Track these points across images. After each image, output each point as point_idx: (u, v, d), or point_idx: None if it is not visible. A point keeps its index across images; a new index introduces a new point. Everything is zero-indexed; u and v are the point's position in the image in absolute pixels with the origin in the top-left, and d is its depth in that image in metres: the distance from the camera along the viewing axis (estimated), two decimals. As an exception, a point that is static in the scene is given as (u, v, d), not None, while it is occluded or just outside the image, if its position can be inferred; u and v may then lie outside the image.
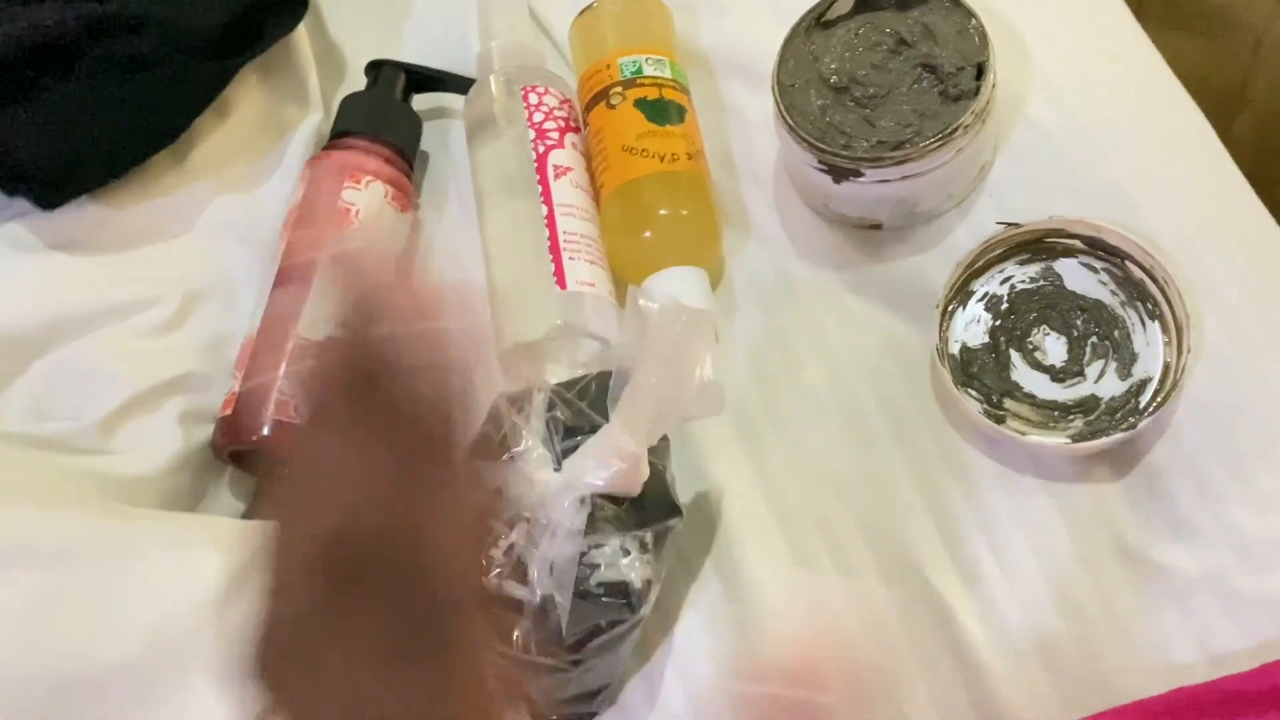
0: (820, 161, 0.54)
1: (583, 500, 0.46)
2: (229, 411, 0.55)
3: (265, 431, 0.54)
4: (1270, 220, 0.55)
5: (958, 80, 0.53)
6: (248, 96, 0.64)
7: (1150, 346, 0.52)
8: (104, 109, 0.57)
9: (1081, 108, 0.57)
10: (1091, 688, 0.48)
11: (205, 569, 0.48)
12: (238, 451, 0.56)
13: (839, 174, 0.54)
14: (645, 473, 0.46)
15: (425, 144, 0.66)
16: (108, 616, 0.46)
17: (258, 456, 0.56)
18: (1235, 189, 0.56)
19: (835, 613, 0.51)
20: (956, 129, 0.52)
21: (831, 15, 0.56)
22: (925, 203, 0.55)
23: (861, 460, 0.53)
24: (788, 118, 0.54)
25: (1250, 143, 1.28)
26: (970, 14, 0.54)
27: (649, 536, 0.47)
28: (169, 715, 0.45)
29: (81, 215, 0.58)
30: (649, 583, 0.47)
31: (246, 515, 0.57)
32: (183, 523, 0.51)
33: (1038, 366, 0.53)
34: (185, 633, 0.46)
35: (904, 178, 0.53)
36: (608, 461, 0.45)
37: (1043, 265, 0.54)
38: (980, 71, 0.53)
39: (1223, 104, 1.30)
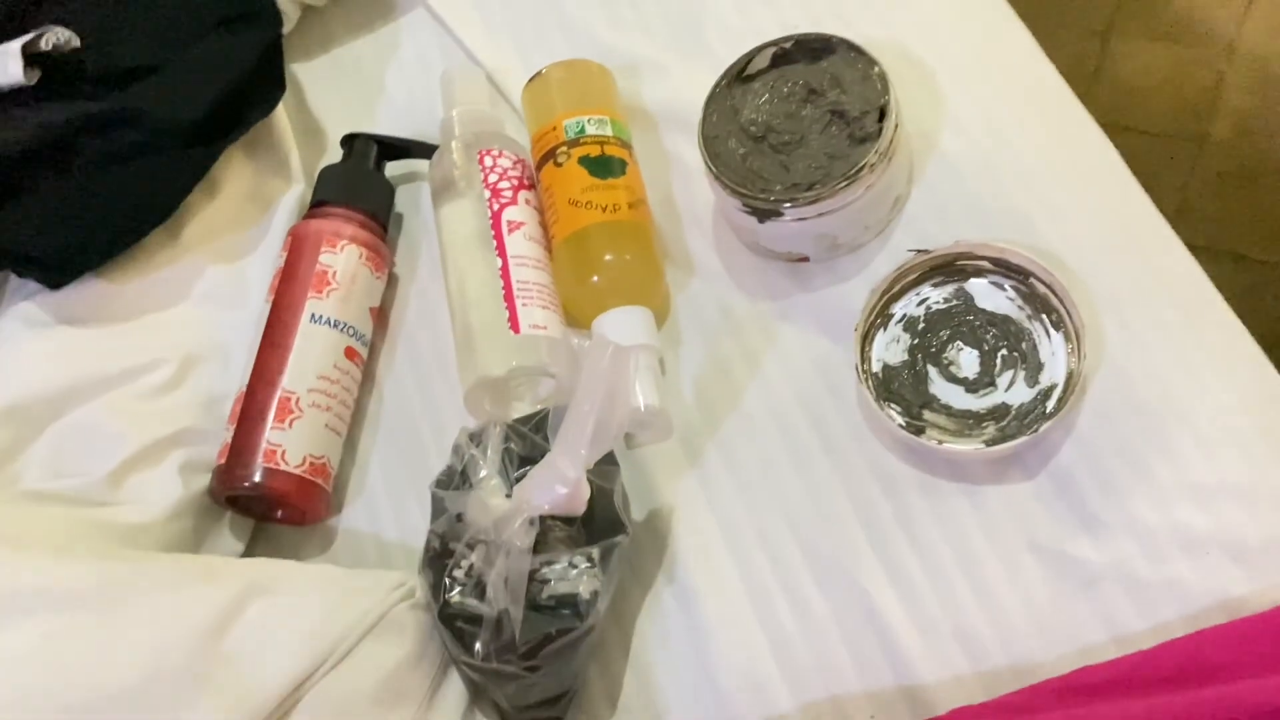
0: (744, 204, 0.59)
1: (531, 521, 0.51)
2: (223, 460, 0.61)
3: (256, 478, 0.60)
4: (1166, 229, 0.59)
5: (863, 124, 0.58)
6: (235, 174, 0.70)
7: (1055, 355, 0.56)
8: (101, 196, 0.64)
9: (988, 139, 0.62)
10: (1009, 672, 0.52)
11: (200, 604, 0.53)
12: (233, 496, 0.61)
13: (762, 214, 0.59)
14: (586, 494, 0.51)
15: (400, 206, 0.72)
16: (111, 649, 0.51)
17: (252, 500, 0.62)
18: (1134, 205, 0.60)
19: (776, 616, 0.55)
20: (862, 168, 0.57)
21: (750, 70, 0.62)
22: (844, 235, 0.60)
23: (796, 475, 0.58)
24: (712, 166, 0.59)
25: (1230, 144, 1.32)
26: (873, 62, 0.59)
27: (596, 552, 0.52)
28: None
29: (86, 292, 0.64)
30: (596, 594, 0.51)
31: (245, 554, 0.63)
32: (181, 563, 0.56)
33: (953, 379, 0.57)
34: (182, 662, 0.51)
35: (820, 214, 0.58)
36: (549, 485, 0.50)
37: (955, 286, 0.59)
38: (882, 114, 0.58)
39: (1200, 109, 1.34)
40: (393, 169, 0.72)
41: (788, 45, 0.61)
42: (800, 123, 0.59)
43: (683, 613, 0.57)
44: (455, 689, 0.54)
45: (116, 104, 0.64)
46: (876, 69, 0.59)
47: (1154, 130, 1.31)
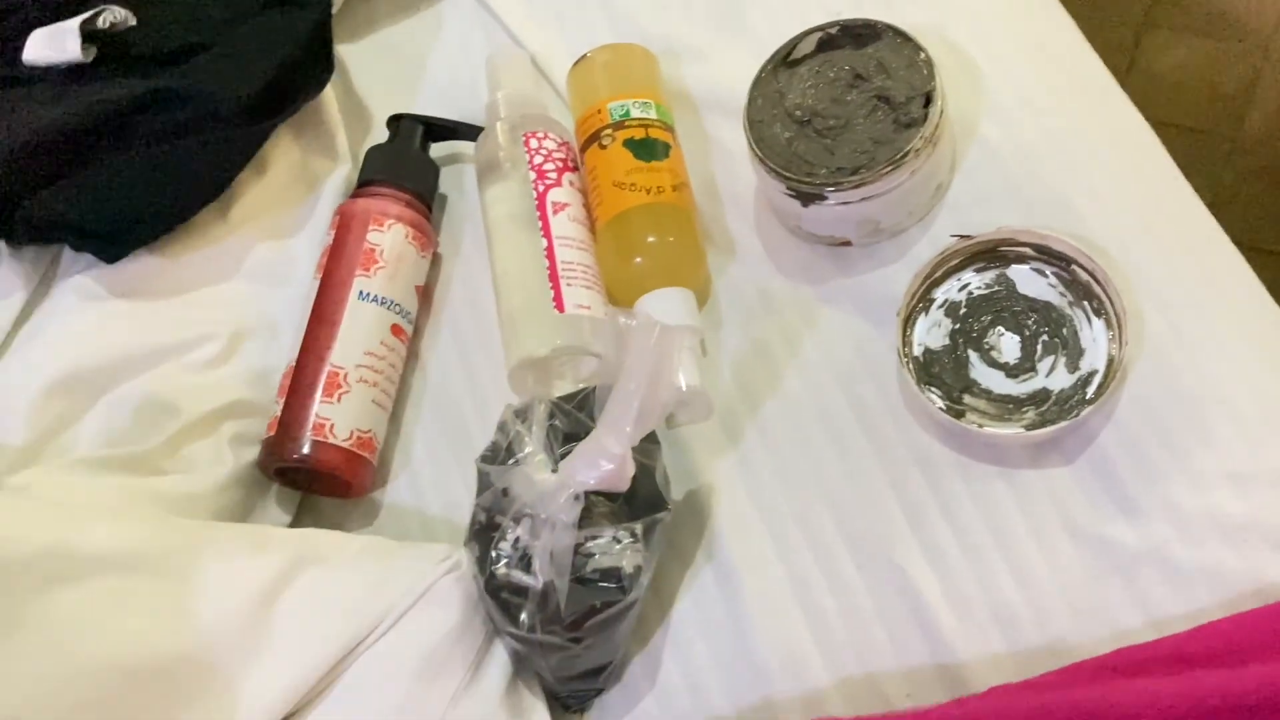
0: (788, 188, 0.60)
1: (576, 497, 0.52)
2: (272, 433, 0.62)
3: (305, 450, 0.61)
4: (1209, 219, 0.59)
5: (908, 109, 0.58)
6: (283, 153, 0.71)
7: (1096, 342, 0.57)
8: (156, 172, 0.65)
9: (1030, 126, 0.62)
10: (1045, 652, 0.52)
11: (252, 572, 0.54)
12: (282, 468, 0.63)
13: (805, 198, 0.60)
14: (631, 470, 0.52)
15: (444, 187, 0.73)
16: (167, 615, 0.52)
17: (300, 472, 0.63)
18: (1176, 193, 0.60)
19: (814, 593, 0.56)
20: (907, 153, 0.57)
21: (796, 55, 0.62)
22: (887, 220, 0.61)
23: (835, 457, 0.59)
24: (757, 150, 0.60)
25: (1263, 139, 1.32)
26: (919, 48, 0.60)
27: (639, 528, 0.53)
28: (224, 698, 0.52)
29: (139, 267, 0.65)
30: (639, 568, 0.52)
31: (292, 525, 0.64)
32: (233, 531, 0.57)
33: (993, 364, 0.58)
34: (234, 629, 0.53)
35: (864, 199, 0.59)
36: (595, 462, 0.51)
37: (997, 272, 0.59)
38: (928, 100, 0.58)
39: (1235, 104, 1.34)
40: (437, 151, 0.73)
41: (833, 30, 0.62)
42: (845, 107, 0.60)
43: (721, 590, 0.58)
44: (499, 661, 0.55)
45: (171, 82, 0.65)
46: (923, 55, 0.59)
47: (1187, 125, 1.31)
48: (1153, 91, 1.33)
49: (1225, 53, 1.37)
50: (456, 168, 0.74)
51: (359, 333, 0.64)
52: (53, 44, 0.66)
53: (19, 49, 0.67)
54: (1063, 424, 0.54)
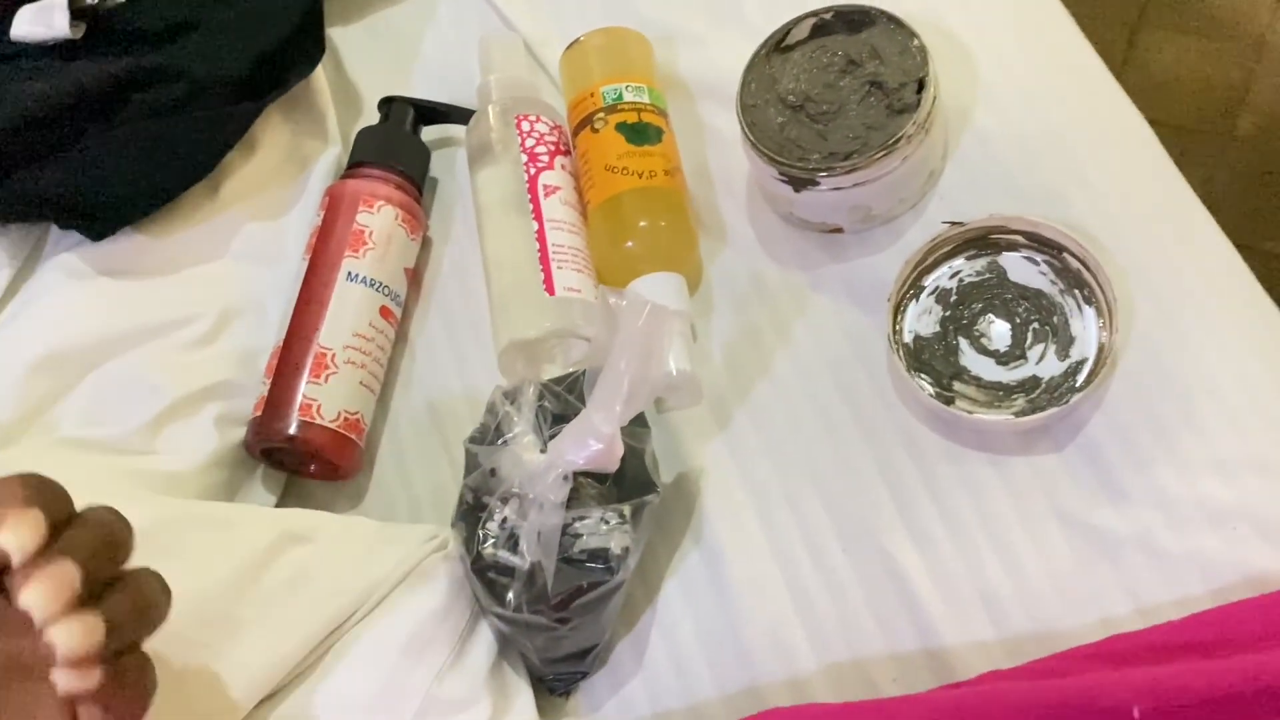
0: (780, 173, 0.59)
1: (565, 477, 0.52)
2: (259, 413, 0.62)
3: (292, 430, 0.61)
4: (1201, 209, 0.59)
5: (901, 95, 0.58)
6: (273, 133, 0.70)
7: (1086, 330, 0.57)
8: (144, 150, 0.64)
9: (1023, 115, 0.62)
10: (1032, 638, 0.52)
11: (238, 549, 0.54)
12: (268, 449, 0.62)
13: (797, 183, 0.59)
14: (619, 450, 0.52)
15: (435, 171, 0.73)
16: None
17: (286, 453, 0.62)
18: (1167, 182, 0.60)
19: (801, 578, 0.56)
20: (900, 139, 0.57)
21: (790, 40, 0.62)
22: (879, 207, 0.61)
23: (825, 441, 0.59)
24: (750, 134, 0.60)
25: (1255, 140, 1.33)
26: (912, 34, 0.60)
27: (627, 510, 0.53)
28: (208, 674, 0.51)
29: (126, 245, 0.65)
30: (627, 549, 0.52)
31: (278, 506, 0.64)
32: (219, 509, 0.57)
33: (984, 351, 0.58)
34: (219, 605, 0.52)
35: (856, 185, 0.59)
36: (584, 441, 0.51)
37: (988, 260, 0.59)
38: (921, 86, 0.58)
39: (1227, 104, 1.35)
40: (428, 134, 0.73)
41: (827, 16, 0.62)
42: (839, 93, 0.60)
43: (709, 573, 0.57)
44: (484, 641, 0.55)
45: (160, 60, 0.65)
46: (916, 41, 0.59)
47: (1180, 124, 1.31)
48: (1146, 90, 1.33)
49: (1218, 52, 1.37)
50: (448, 151, 0.74)
51: (347, 314, 0.63)
52: (41, 20, 0.66)
53: (6, 25, 0.67)
54: (1052, 411, 0.54)
